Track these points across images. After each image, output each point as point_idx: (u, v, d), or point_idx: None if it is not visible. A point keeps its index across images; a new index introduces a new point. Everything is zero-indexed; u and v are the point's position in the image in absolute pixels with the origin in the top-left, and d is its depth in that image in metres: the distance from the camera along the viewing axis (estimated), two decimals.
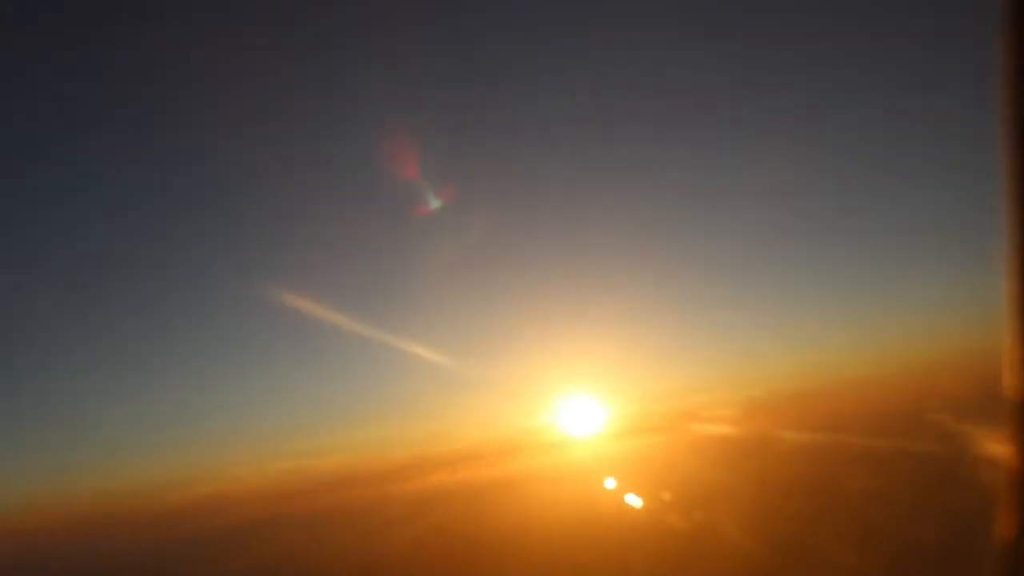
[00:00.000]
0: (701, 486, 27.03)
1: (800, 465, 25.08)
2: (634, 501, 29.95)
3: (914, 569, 11.52)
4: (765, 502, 20.29)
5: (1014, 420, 1.88)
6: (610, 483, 38.25)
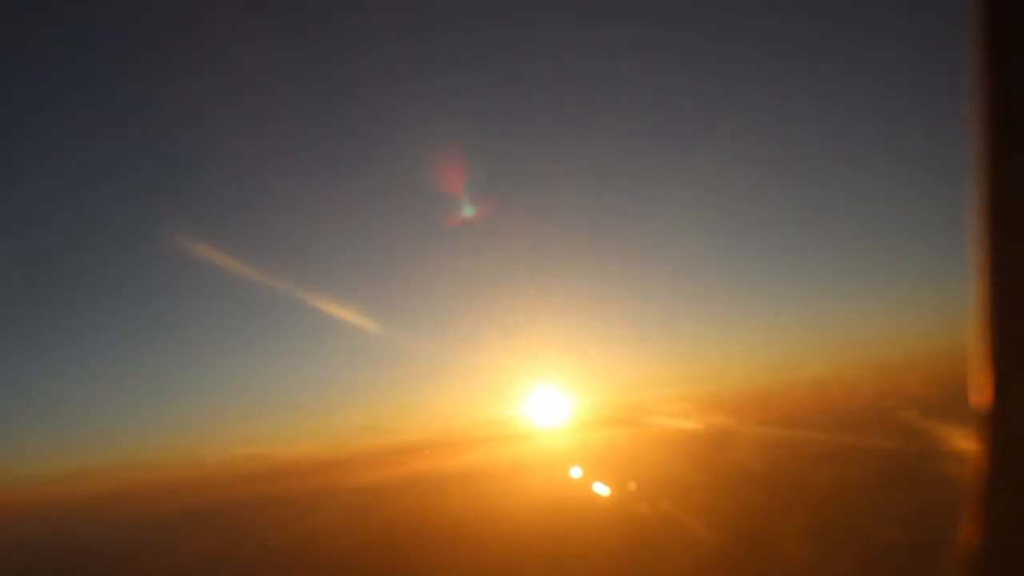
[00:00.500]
0: (666, 478, 27.35)
1: (764, 460, 25.40)
2: (600, 490, 30.25)
3: (875, 564, 11.60)
4: (730, 495, 20.52)
5: (979, 419, 1.86)
6: (576, 472, 38.58)
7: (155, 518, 54.27)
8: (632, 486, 28.37)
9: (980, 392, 1.84)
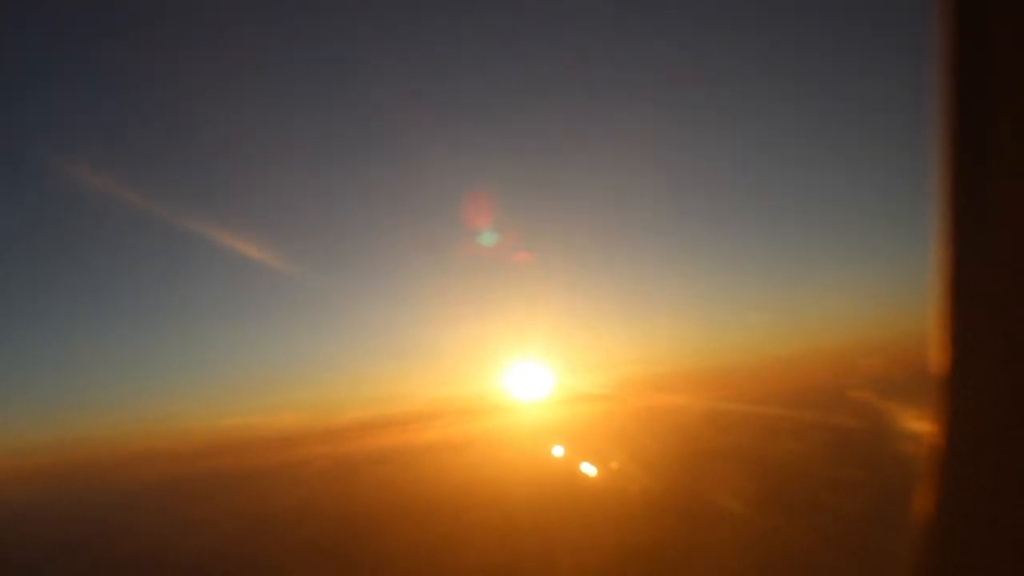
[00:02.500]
0: (634, 448, 27.86)
1: (729, 434, 25.90)
2: (567, 457, 30.85)
3: (828, 532, 12.07)
4: (691, 463, 21.01)
5: (937, 397, 1.90)
6: (555, 445, 39.02)
7: (138, 489, 53.71)
8: (605, 457, 28.88)
9: (938, 373, 1.86)
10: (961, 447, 1.84)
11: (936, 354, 1.86)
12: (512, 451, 40.04)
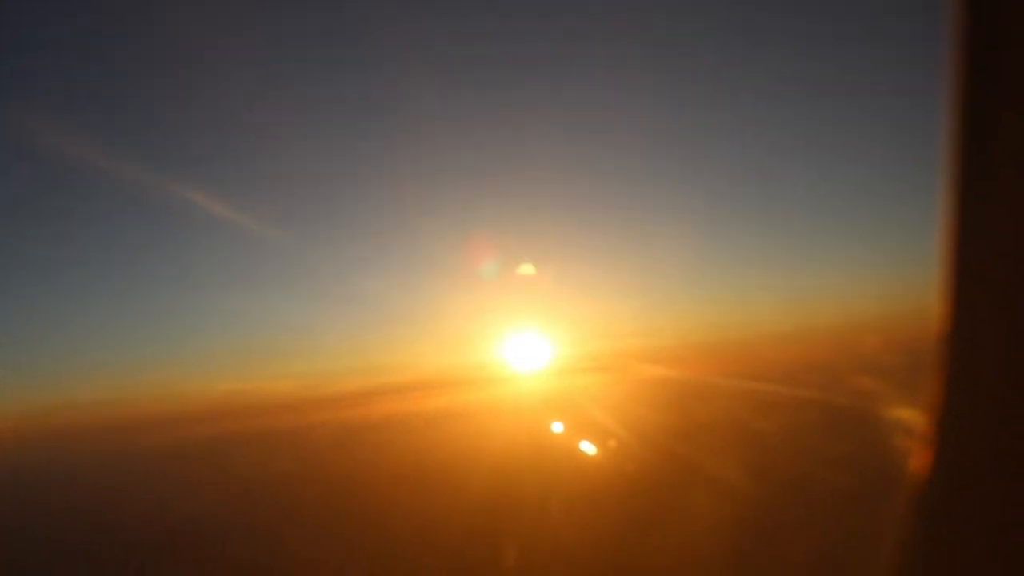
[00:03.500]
0: (638, 424, 28.19)
1: (732, 410, 26.15)
2: (559, 428, 31.31)
3: (828, 509, 12.24)
4: (697, 442, 21.24)
5: (934, 379, 1.90)
6: (552, 416, 39.40)
7: (135, 454, 54.41)
8: (602, 431, 29.23)
9: (936, 356, 1.88)
10: (956, 429, 1.83)
11: (936, 336, 1.86)
12: (510, 421, 40.51)
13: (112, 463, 48.80)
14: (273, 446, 45.94)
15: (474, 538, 13.67)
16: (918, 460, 1.96)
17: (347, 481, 25.12)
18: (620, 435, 25.95)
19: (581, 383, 55.62)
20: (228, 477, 32.27)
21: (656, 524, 12.73)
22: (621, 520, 13.63)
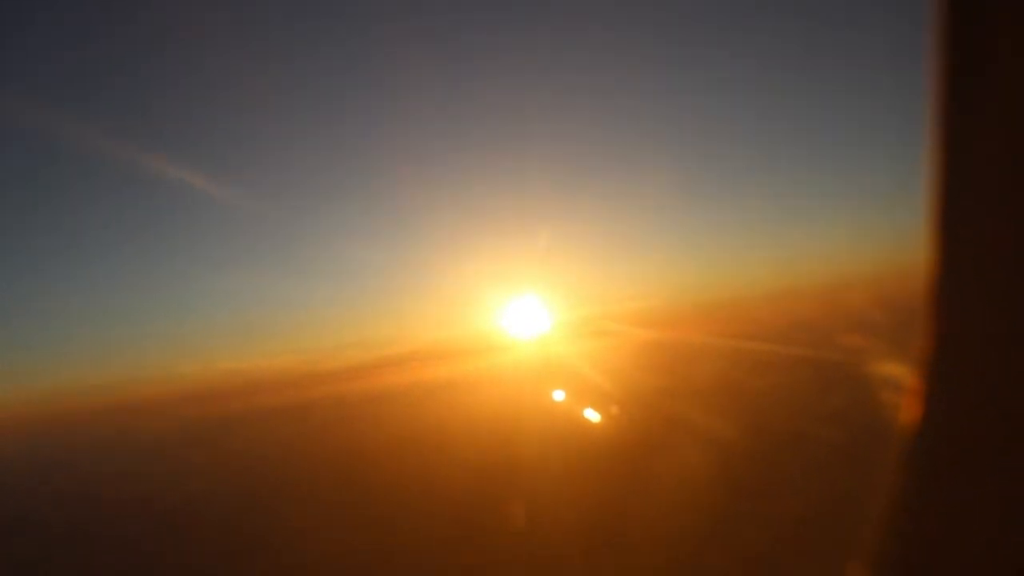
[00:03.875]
0: (637, 386, 28.53)
1: (728, 369, 26.38)
2: (560, 395, 31.62)
3: (821, 463, 12.47)
4: (694, 402, 21.53)
5: (924, 334, 1.89)
6: (553, 382, 39.72)
7: (136, 435, 54.62)
8: (602, 395, 29.51)
9: (925, 311, 1.87)
10: (945, 383, 1.85)
11: (923, 291, 1.86)
12: (511, 389, 40.77)
13: (116, 446, 48.97)
14: (275, 423, 46.18)
15: (482, 510, 13.85)
16: (907, 414, 2.00)
17: (351, 457, 25.28)
18: (620, 400, 26.21)
19: (579, 349, 55.89)
20: (232, 456, 32.49)
21: (657, 486, 12.94)
22: (624, 482, 13.86)
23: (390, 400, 49.80)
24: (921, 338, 1.91)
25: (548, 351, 55.47)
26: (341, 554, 13.09)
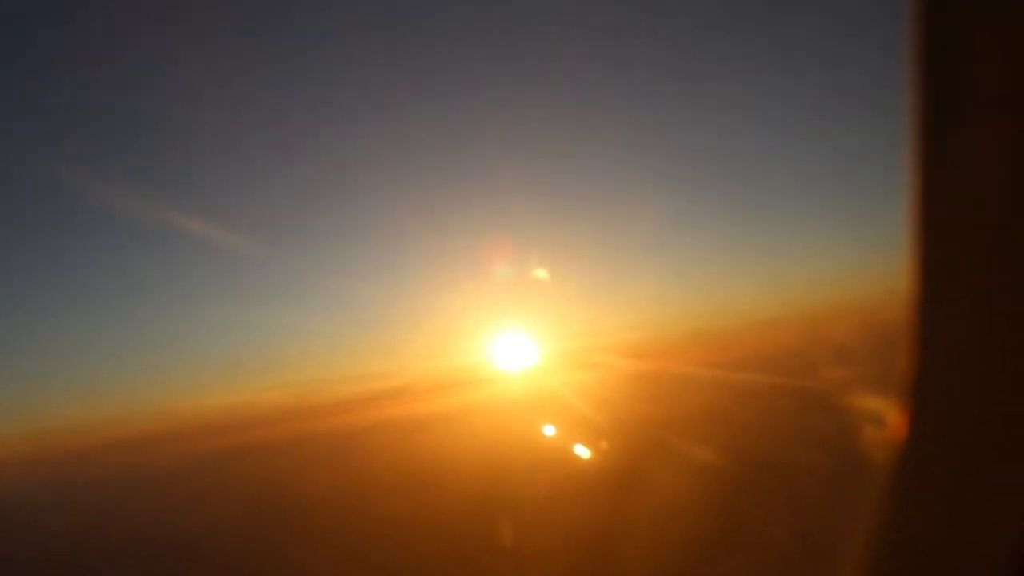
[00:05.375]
0: (625, 418, 28.44)
1: (714, 399, 26.41)
2: (550, 429, 31.50)
3: (811, 489, 12.51)
4: (683, 431, 21.49)
5: (906, 361, 1.93)
6: (542, 415, 39.43)
7: (131, 473, 53.48)
8: (590, 423, 29.43)
9: (907, 338, 1.89)
10: (927, 410, 1.89)
11: (905, 318, 1.90)
12: (501, 423, 40.47)
13: (110, 483, 47.95)
14: (268, 459, 45.45)
15: (480, 550, 13.73)
16: (892, 438, 2.01)
17: (344, 495, 24.92)
18: (609, 432, 26.14)
19: (567, 381, 55.66)
20: (226, 493, 31.91)
21: (649, 517, 12.94)
22: (616, 516, 13.81)
23: (382, 434, 49.22)
24: (903, 363, 1.95)
25: (537, 384, 55.25)
26: None
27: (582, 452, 23.81)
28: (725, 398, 25.75)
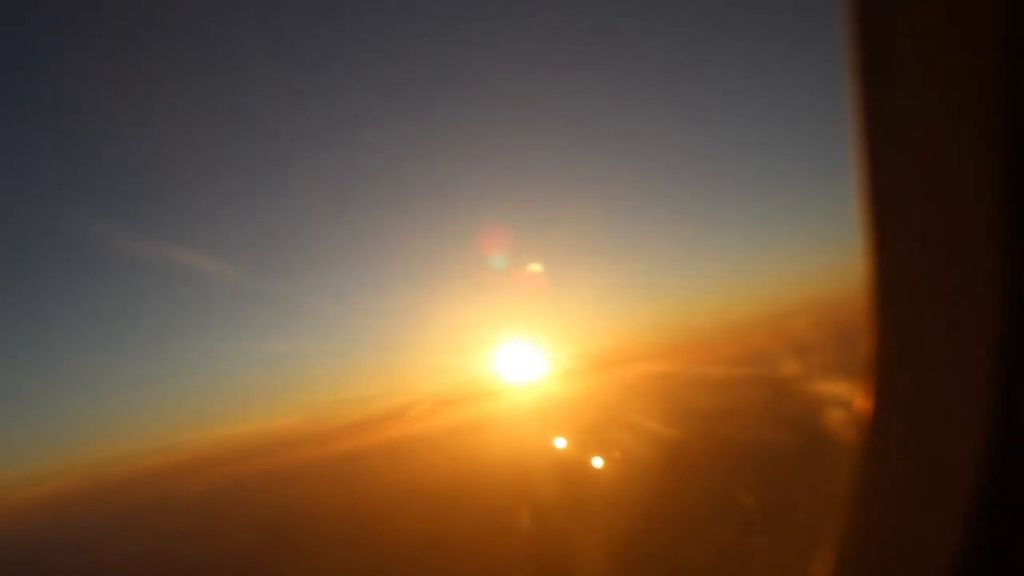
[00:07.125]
0: (630, 417, 28.47)
1: (712, 395, 26.56)
2: (561, 442, 31.40)
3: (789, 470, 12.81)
4: (684, 426, 21.68)
5: (864, 359, 1.98)
6: (550, 424, 39.38)
7: (138, 507, 52.87)
8: (597, 428, 29.41)
9: (866, 337, 1.90)
10: (890, 387, 1.93)
11: (865, 311, 1.92)
12: (511, 436, 40.33)
13: (119, 521, 47.35)
14: (280, 485, 44.99)
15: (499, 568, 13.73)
16: (858, 419, 2.07)
17: (358, 516, 24.58)
18: (618, 434, 26.01)
19: (567, 388, 55.61)
20: (238, 524, 31.55)
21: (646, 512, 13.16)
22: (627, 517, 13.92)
23: (393, 454, 48.82)
24: (864, 348, 1.99)
25: (542, 393, 55.33)
26: None
27: (596, 466, 23.75)
28: (725, 394, 25.87)
